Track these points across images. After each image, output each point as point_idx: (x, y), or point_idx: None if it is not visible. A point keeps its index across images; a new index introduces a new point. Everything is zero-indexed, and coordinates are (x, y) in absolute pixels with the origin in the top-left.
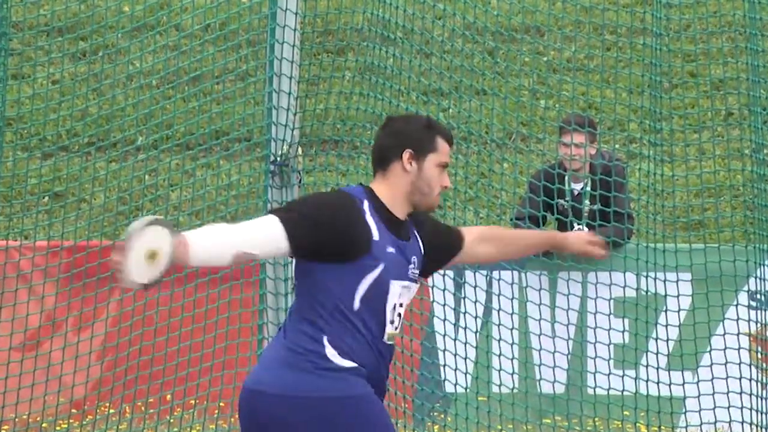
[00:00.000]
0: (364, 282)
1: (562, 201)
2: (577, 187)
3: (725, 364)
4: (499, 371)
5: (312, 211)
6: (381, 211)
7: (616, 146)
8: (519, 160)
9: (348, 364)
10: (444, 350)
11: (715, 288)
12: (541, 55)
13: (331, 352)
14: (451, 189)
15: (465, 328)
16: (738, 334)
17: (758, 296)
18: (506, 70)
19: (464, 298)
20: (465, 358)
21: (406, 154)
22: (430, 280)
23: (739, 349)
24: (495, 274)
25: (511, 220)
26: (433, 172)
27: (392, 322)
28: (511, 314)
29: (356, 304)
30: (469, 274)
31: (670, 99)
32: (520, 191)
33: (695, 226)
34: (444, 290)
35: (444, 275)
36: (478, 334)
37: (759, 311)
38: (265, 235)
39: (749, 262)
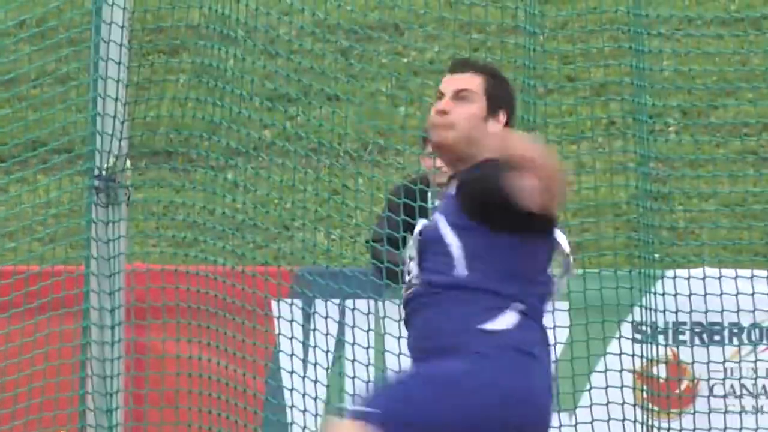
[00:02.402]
0: None
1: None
2: None
3: (607, 405)
4: None
5: None
6: None
7: None
8: (376, 174)
9: None
10: (291, 389)
11: (596, 318)
12: (401, 55)
13: None
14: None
15: (315, 365)
16: (621, 371)
17: (644, 328)
18: (361, 73)
19: (314, 330)
20: (315, 398)
21: None
22: (275, 309)
23: (622, 387)
24: (348, 302)
25: (367, 242)
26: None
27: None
28: (367, 348)
29: None
30: (319, 303)
31: (545, 105)
32: (378, 210)
33: (573, 249)
34: (291, 321)
35: (291, 304)
36: (329, 370)
37: (645, 345)
38: None
39: (634, 290)
